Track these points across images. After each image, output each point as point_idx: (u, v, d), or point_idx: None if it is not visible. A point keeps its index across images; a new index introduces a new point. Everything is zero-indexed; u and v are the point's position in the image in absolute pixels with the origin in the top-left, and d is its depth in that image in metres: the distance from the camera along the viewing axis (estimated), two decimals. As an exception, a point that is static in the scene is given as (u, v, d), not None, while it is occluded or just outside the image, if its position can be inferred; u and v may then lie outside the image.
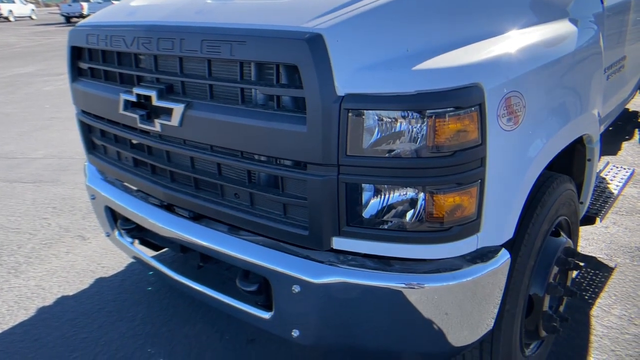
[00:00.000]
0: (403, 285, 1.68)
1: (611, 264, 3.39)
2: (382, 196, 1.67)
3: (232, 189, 1.97)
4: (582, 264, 2.30)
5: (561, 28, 2.17)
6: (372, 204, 1.68)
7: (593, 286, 3.15)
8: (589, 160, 2.53)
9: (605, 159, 5.35)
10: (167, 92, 2.01)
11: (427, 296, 1.71)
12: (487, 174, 1.64)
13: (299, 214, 1.79)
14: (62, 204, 4.88)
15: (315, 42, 1.55)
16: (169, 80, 2.02)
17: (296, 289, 1.80)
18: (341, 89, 1.56)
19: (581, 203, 2.67)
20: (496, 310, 1.86)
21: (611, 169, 3.86)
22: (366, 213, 1.69)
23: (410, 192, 1.64)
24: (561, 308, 2.41)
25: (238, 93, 1.79)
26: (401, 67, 1.56)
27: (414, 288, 1.69)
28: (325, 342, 1.93)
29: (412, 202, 1.65)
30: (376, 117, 1.57)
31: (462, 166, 1.58)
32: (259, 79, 1.74)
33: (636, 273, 3.27)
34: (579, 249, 3.57)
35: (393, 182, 1.61)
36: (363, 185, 1.65)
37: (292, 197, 1.77)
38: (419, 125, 1.55)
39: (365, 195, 1.67)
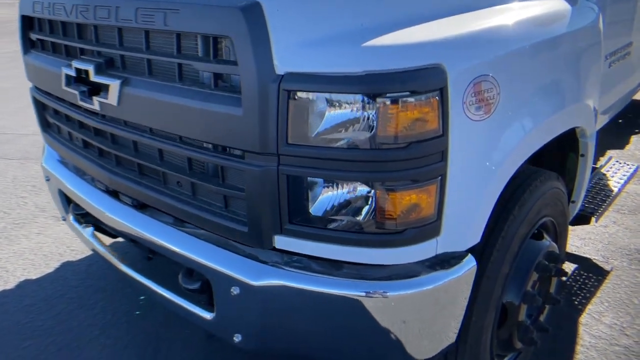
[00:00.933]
0: (349, 293, 1.49)
1: (607, 267, 3.17)
2: (328, 192, 1.47)
3: (174, 176, 1.78)
4: (566, 270, 2.09)
5: (553, 6, 1.93)
6: (317, 201, 1.48)
7: (584, 291, 2.93)
8: (582, 155, 2.30)
9: (611, 152, 5.09)
10: (107, 66, 1.81)
11: (376, 305, 1.51)
12: (449, 169, 1.43)
13: (240, 207, 1.59)
14: (42, 183, 4.71)
15: (251, 12, 1.34)
16: (109, 54, 1.81)
17: (235, 290, 1.62)
18: (280, 67, 1.35)
19: (573, 202, 2.45)
20: (459, 323, 1.65)
21: (613, 164, 3.61)
22: (311, 210, 1.49)
23: (358, 189, 1.44)
24: (542, 317, 2.20)
25: (175, 69, 1.59)
26: (350, 44, 1.34)
27: (361, 296, 1.49)
28: (270, 349, 1.74)
29: (361, 200, 1.45)
30: (320, 101, 1.36)
31: (418, 160, 1.37)
32: (194, 52, 1.53)
33: (633, 278, 3.04)
34: (573, 250, 3.35)
35: (338, 176, 1.40)
36: (307, 178, 1.45)
37: (230, 189, 1.57)
38: (367, 111, 1.33)
39: (309, 190, 1.47)
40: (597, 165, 3.54)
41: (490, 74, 1.46)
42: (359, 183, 1.41)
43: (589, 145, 2.26)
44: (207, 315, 1.80)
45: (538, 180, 1.92)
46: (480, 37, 1.48)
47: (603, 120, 3.27)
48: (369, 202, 1.43)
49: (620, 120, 5.84)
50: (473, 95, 1.42)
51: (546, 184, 1.96)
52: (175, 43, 1.55)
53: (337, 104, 1.35)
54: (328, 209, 1.48)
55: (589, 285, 2.98)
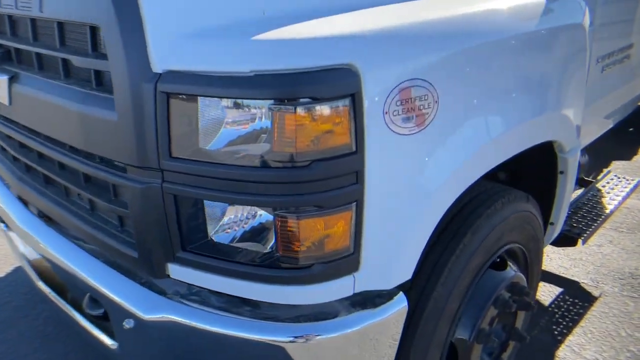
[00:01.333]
0: (248, 335, 1.25)
1: (595, 292, 2.88)
2: (226, 216, 1.23)
3: (73, 188, 1.55)
4: (548, 294, 1.81)
5: None
6: (212, 226, 1.24)
7: (567, 319, 2.65)
8: (562, 172, 2.02)
9: (616, 163, 4.77)
10: (1, 60, 1.58)
11: (288, 350, 1.26)
12: (367, 193, 1.17)
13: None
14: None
15: (121, -5, 1.10)
16: (5, 45, 1.59)
17: (128, 324, 1.38)
18: (158, 64, 1.11)
19: (551, 224, 2.17)
20: (388, 371, 1.40)
21: (611, 179, 3.31)
22: (205, 237, 1.25)
23: (259, 215, 1.20)
24: (505, 355, 1.93)
25: (59, 64, 1.35)
26: (240, 36, 1.09)
27: (268, 340, 1.25)
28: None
29: (263, 228, 1.21)
30: (206, 107, 1.12)
31: (325, 182, 1.11)
32: (73, 44, 1.29)
33: (623, 306, 2.75)
34: (561, 271, 3.07)
35: (229, 199, 1.16)
36: (199, 199, 1.20)
37: (121, 206, 1.34)
38: (260, 122, 1.09)
39: (203, 213, 1.23)
40: (594, 180, 3.24)
41: (423, 78, 1.20)
42: (252, 207, 1.17)
43: (569, 162, 1.98)
44: (112, 343, 1.58)
45: (500, 202, 1.65)
46: (410, 33, 1.22)
47: (598, 131, 2.98)
48: (268, 231, 1.19)
49: (630, 129, 5.49)
50: (399, 103, 1.17)
51: (510, 207, 1.70)
52: (57, 33, 1.32)
53: (226, 112, 1.11)
54: (227, 236, 1.24)
55: (572, 313, 2.70)
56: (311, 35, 1.09)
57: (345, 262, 1.21)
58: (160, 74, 1.11)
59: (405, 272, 1.32)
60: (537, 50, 1.61)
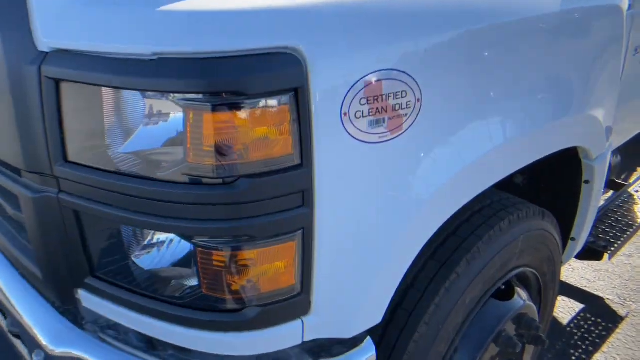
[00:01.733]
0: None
1: (622, 311, 2.55)
2: (140, 240, 0.96)
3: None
4: (543, 336, 1.52)
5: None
6: (127, 251, 0.98)
7: (588, 341, 2.33)
8: (587, 182, 1.70)
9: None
10: None
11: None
12: (318, 219, 0.89)
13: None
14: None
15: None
16: None
17: (37, 356, 1.15)
18: (44, 40, 0.85)
19: (572, 239, 1.86)
20: None
21: (646, 182, 2.95)
22: (117, 263, 0.99)
23: (180, 243, 0.93)
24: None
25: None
26: (143, 5, 0.81)
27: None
28: None
29: (186, 260, 0.94)
30: (104, 98, 0.84)
31: (256, 205, 0.84)
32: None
33: (652, 330, 2.43)
34: (584, 284, 2.74)
35: (131, 220, 0.89)
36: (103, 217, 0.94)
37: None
38: (166, 122, 0.81)
39: (117, 234, 0.97)
40: (626, 183, 2.88)
41: (400, 69, 0.90)
42: (168, 234, 0.90)
43: (596, 170, 1.66)
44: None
45: (507, 220, 1.35)
46: (382, 7, 0.91)
47: (635, 129, 2.61)
48: (190, 264, 0.92)
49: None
50: (364, 102, 0.87)
51: (520, 225, 1.39)
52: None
53: (132, 107, 0.83)
54: (144, 264, 0.98)
55: (594, 335, 2.38)
56: (238, 7, 0.80)
57: (291, 304, 0.94)
58: (47, 53, 0.84)
59: (372, 315, 1.04)
60: (559, 37, 1.28)
